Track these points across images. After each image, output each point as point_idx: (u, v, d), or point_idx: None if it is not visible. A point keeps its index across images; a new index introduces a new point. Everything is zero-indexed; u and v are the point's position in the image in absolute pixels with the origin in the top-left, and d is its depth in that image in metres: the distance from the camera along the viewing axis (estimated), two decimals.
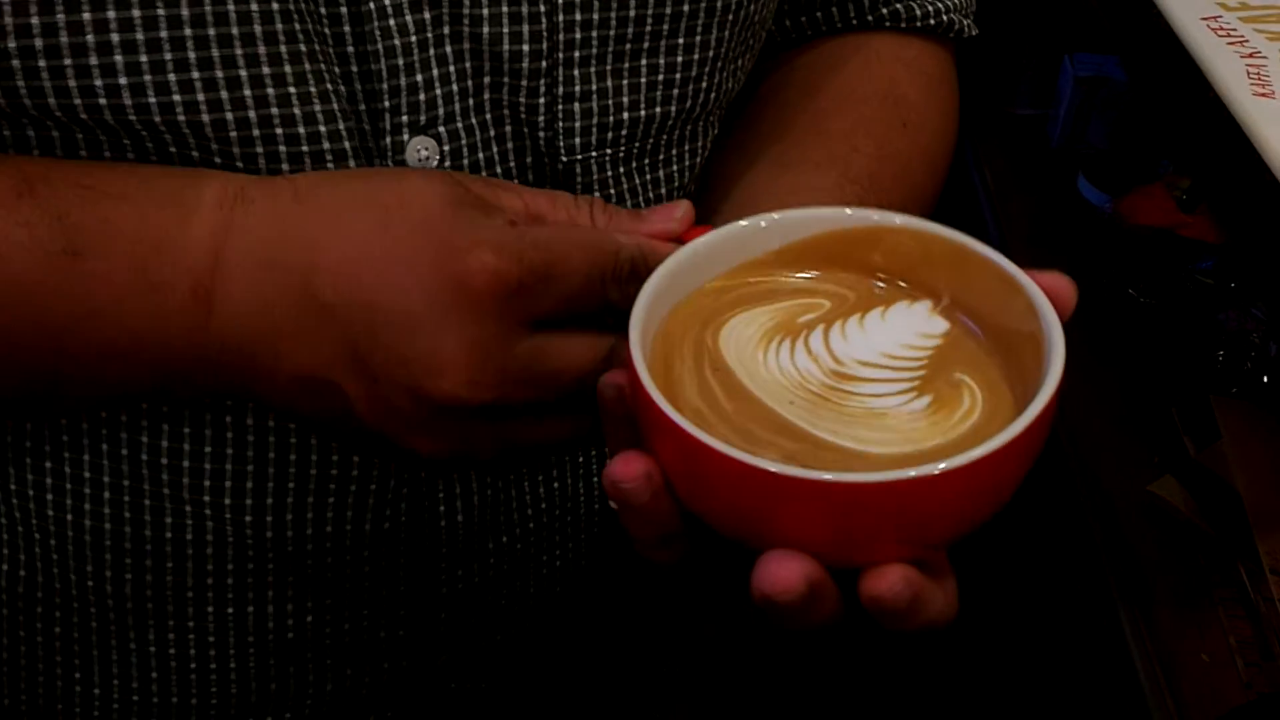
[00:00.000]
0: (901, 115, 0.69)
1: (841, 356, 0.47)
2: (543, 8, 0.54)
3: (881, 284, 0.49)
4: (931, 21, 0.73)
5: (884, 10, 0.72)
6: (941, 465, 0.40)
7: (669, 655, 0.79)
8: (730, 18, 0.60)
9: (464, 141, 0.55)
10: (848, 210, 0.50)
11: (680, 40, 0.58)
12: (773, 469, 0.40)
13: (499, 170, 0.56)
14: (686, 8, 0.58)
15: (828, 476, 0.40)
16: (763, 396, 0.45)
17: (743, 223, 0.49)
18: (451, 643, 0.65)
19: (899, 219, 0.49)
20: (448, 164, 0.54)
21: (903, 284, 0.49)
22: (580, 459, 0.66)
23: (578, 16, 0.55)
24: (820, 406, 0.44)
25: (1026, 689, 1.19)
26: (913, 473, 0.39)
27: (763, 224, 0.49)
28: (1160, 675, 0.94)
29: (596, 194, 0.59)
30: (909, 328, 0.47)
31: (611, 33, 0.56)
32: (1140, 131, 1.33)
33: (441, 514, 0.62)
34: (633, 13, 0.56)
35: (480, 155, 0.55)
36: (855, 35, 0.72)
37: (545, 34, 0.54)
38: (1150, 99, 1.03)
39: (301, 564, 0.60)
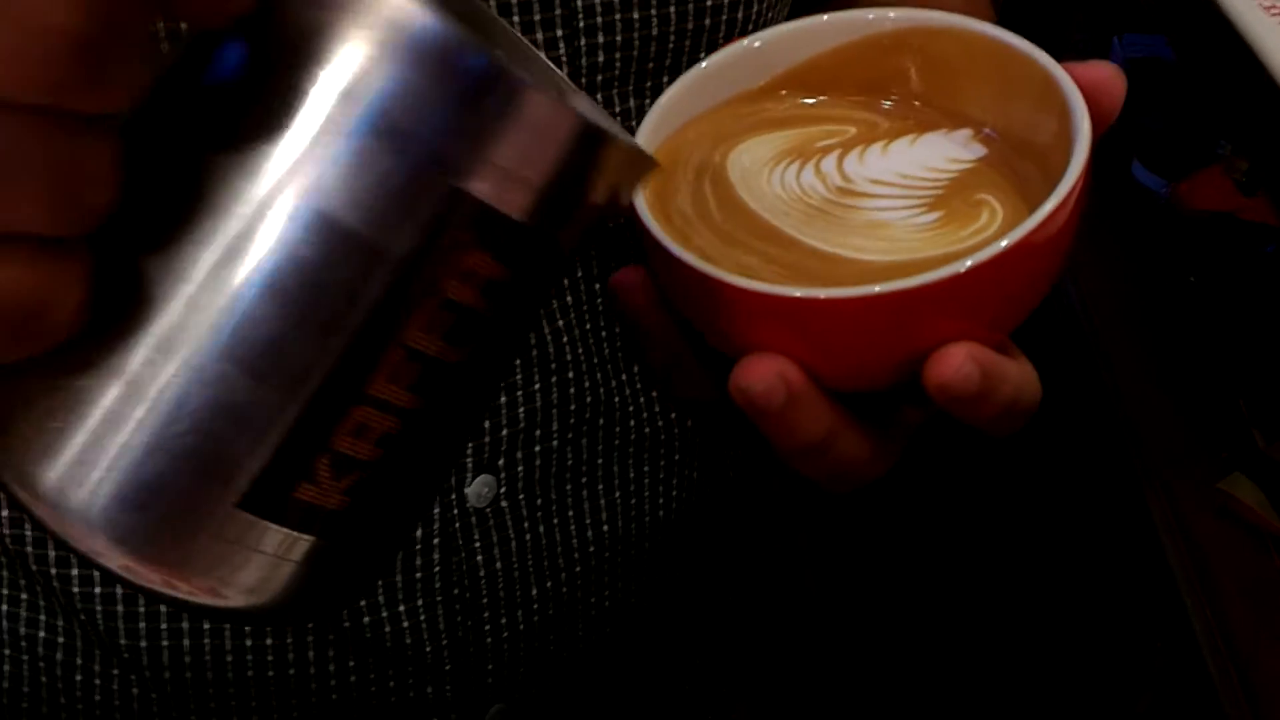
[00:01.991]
0: None
1: (852, 175, 0.43)
2: (560, 31, 0.52)
3: (917, 106, 0.45)
4: None
5: None
6: (911, 281, 0.35)
7: (722, 693, 0.77)
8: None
9: None
10: (869, 14, 0.44)
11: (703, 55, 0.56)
12: (721, 277, 0.36)
13: None
14: (708, 21, 0.56)
15: (779, 290, 0.36)
16: (756, 207, 0.41)
17: (757, 40, 0.45)
18: (501, 693, 0.64)
19: (935, 17, 0.43)
20: None
21: (939, 109, 0.44)
22: (633, 500, 0.64)
23: (600, 39, 0.53)
24: (817, 218, 0.41)
25: (1098, 691, 1.16)
26: (877, 289, 0.35)
27: (777, 36, 0.45)
28: (1234, 674, 0.92)
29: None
30: (939, 153, 0.43)
31: (635, 53, 0.54)
32: (1195, 113, 1.29)
33: (480, 563, 0.60)
34: (655, 31, 0.54)
35: None
36: None
37: (565, 60, 0.53)
38: (1203, 80, 1.00)
39: (337, 623, 0.58)
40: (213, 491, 0.29)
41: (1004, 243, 0.36)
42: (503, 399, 0.56)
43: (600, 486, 0.62)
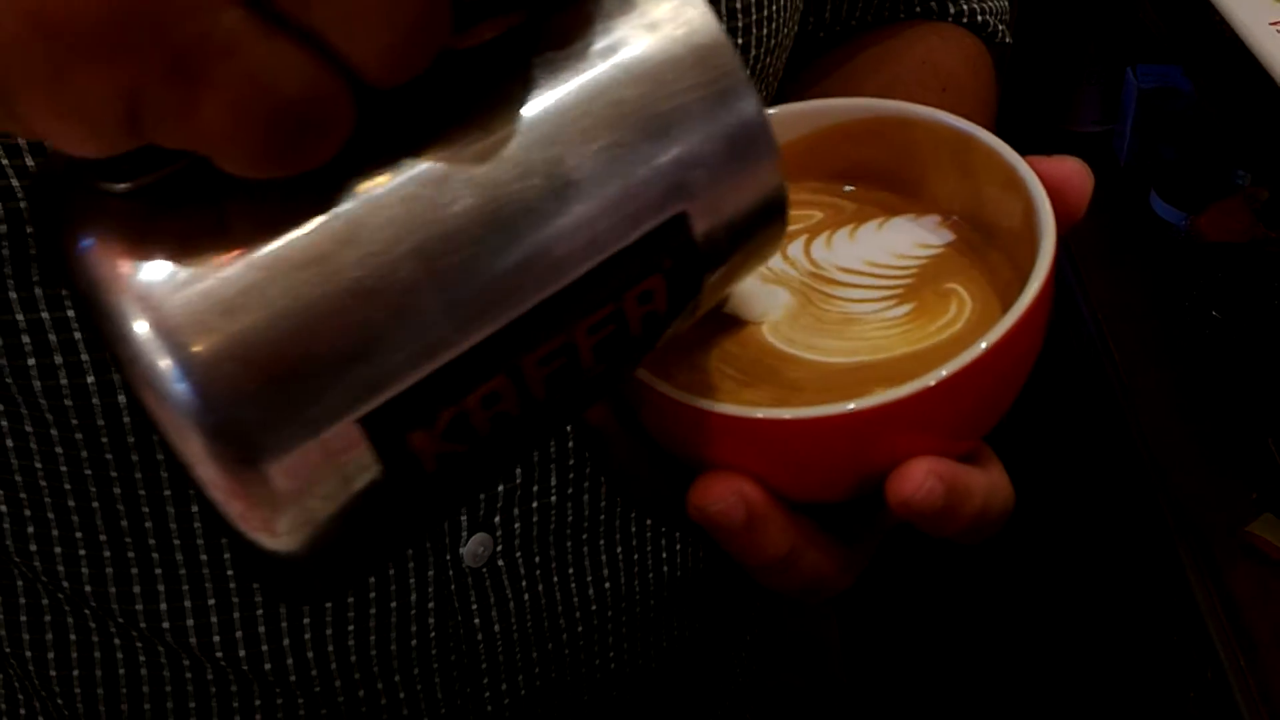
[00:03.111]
0: (940, 80, 0.66)
1: (821, 261, 0.42)
2: None
3: (883, 193, 0.44)
4: (965, 21, 0.71)
5: (918, 8, 0.70)
6: (850, 405, 0.34)
7: None
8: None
9: None
10: (840, 103, 0.45)
11: None
12: (678, 398, 0.36)
13: None
14: None
15: (739, 411, 0.35)
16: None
17: None
18: None
19: (904, 108, 0.43)
20: None
21: (906, 195, 0.44)
22: (635, 556, 0.61)
23: None
24: (784, 308, 0.40)
25: None
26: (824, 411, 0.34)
27: None
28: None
29: None
30: (907, 238, 0.42)
31: None
32: (1212, 143, 1.27)
33: (477, 626, 0.57)
34: None
35: None
36: (893, 25, 0.70)
37: None
38: (1219, 109, 0.97)
39: (331, 699, 0.56)
40: (350, 394, 0.27)
41: (963, 360, 0.35)
42: None
43: (601, 543, 0.60)
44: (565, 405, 0.32)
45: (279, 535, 0.27)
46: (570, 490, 0.57)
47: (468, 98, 0.29)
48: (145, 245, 0.26)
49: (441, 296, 0.28)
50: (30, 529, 0.53)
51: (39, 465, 0.51)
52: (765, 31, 0.57)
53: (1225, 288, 1.17)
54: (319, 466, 0.27)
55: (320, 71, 0.25)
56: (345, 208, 0.27)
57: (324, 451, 0.27)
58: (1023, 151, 0.73)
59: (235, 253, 0.26)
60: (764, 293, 0.40)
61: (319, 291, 0.27)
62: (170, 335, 0.26)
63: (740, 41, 0.56)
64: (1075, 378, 1.30)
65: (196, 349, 0.26)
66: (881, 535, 0.41)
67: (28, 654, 0.55)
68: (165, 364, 0.26)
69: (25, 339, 0.47)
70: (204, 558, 0.52)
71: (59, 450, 0.50)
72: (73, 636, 0.54)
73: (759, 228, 0.33)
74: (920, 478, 0.35)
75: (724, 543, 0.37)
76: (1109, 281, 1.28)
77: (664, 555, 0.62)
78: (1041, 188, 0.39)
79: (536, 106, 0.29)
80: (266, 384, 0.26)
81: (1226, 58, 0.86)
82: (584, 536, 0.59)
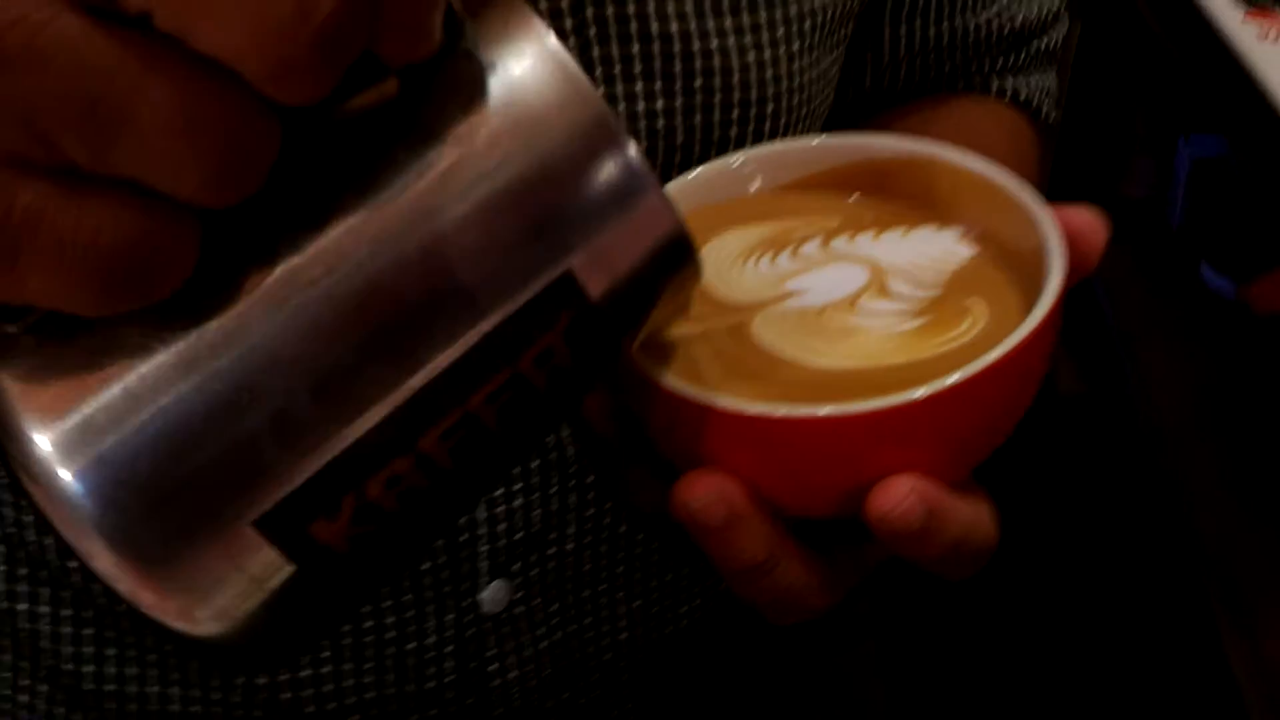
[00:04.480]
0: (975, 148, 0.66)
1: (841, 251, 0.42)
2: None
3: (901, 208, 0.44)
4: (1008, 97, 0.71)
5: (961, 85, 0.70)
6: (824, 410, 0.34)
7: None
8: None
9: None
10: (861, 139, 0.45)
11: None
12: (661, 382, 0.36)
13: None
14: (736, 114, 0.56)
15: (717, 402, 0.35)
16: (725, 293, 0.40)
17: (740, 157, 0.45)
18: None
19: (927, 149, 0.44)
20: None
21: (925, 210, 0.44)
22: (654, 609, 0.62)
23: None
24: (782, 304, 0.40)
25: None
26: (782, 411, 0.34)
27: (741, 160, 0.45)
28: None
29: None
30: (934, 247, 0.42)
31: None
32: (1263, 214, 1.26)
33: (494, 672, 0.58)
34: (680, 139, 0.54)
35: None
36: (935, 96, 0.70)
37: None
38: (1265, 178, 0.97)
39: None
40: (237, 501, 0.28)
41: (955, 377, 0.35)
42: (519, 501, 0.55)
43: (620, 594, 0.60)
44: (480, 468, 0.32)
45: (200, 624, 0.29)
46: (589, 540, 0.58)
47: (338, 176, 0.29)
48: (36, 379, 0.28)
49: (319, 399, 0.28)
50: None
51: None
52: (796, 100, 0.58)
53: (1273, 358, 1.16)
54: (224, 568, 0.28)
55: (140, 215, 0.25)
56: (212, 319, 0.28)
57: (226, 554, 0.28)
58: None
59: (114, 377, 0.28)
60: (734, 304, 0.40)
61: (193, 405, 0.27)
62: (61, 462, 0.27)
63: (771, 109, 0.57)
64: (1122, 444, 1.29)
65: (86, 473, 0.27)
66: (869, 568, 0.41)
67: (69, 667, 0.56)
68: (60, 488, 0.27)
69: None
70: None
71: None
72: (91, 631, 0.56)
73: (663, 269, 0.32)
74: (902, 494, 0.35)
75: (703, 542, 0.37)
76: (1157, 348, 1.28)
77: (683, 610, 0.63)
78: (1057, 227, 0.39)
79: (403, 185, 0.29)
80: (155, 499, 0.28)
81: (1266, 128, 0.86)
82: (602, 587, 0.60)
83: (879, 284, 0.41)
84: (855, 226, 0.43)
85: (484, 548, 0.55)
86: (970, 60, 0.69)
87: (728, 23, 0.54)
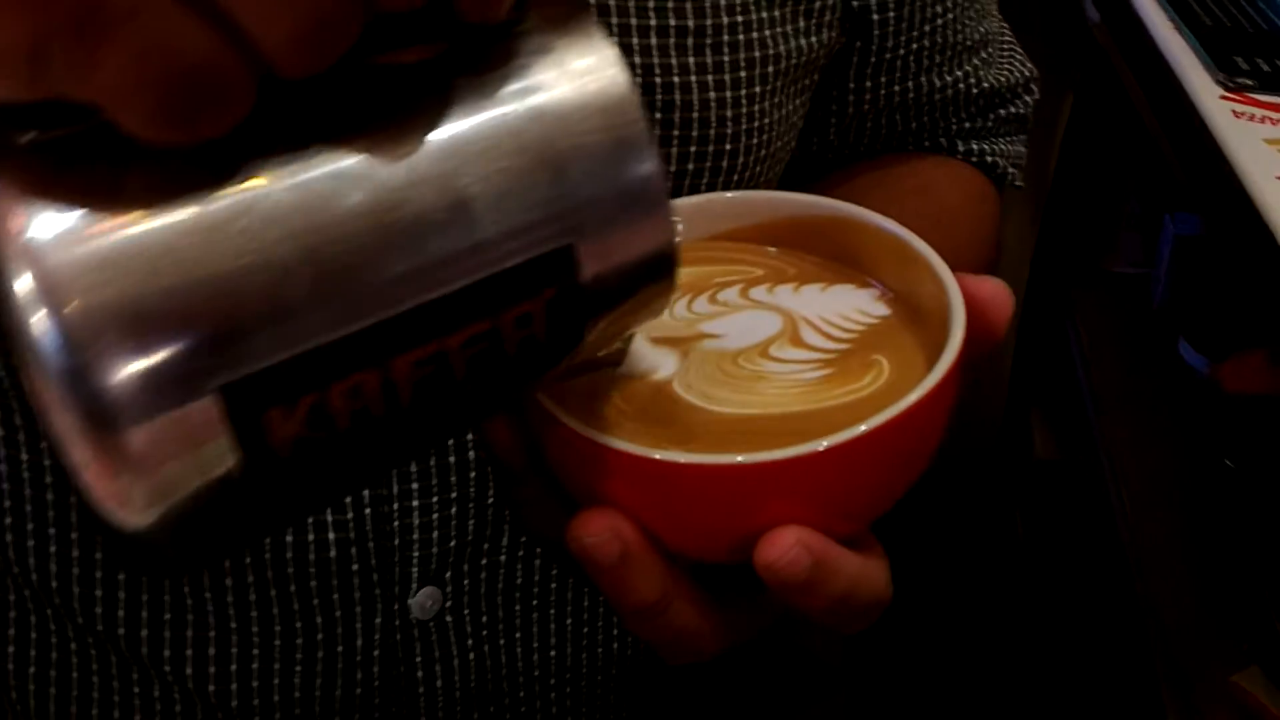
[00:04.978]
0: (934, 209, 0.67)
1: (760, 300, 0.43)
2: None
3: (825, 263, 0.45)
4: (974, 160, 0.72)
5: (927, 143, 0.71)
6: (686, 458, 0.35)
7: None
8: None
9: None
10: (789, 196, 0.46)
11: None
12: (559, 417, 0.37)
13: None
14: (690, 166, 0.57)
15: (607, 441, 0.36)
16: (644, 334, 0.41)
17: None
18: None
19: (838, 206, 0.45)
20: None
21: (846, 267, 0.45)
22: (585, 630, 0.63)
23: None
24: (694, 351, 0.41)
25: None
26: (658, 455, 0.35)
27: (693, 205, 0.46)
28: None
29: None
30: (849, 304, 0.43)
31: None
32: (1239, 294, 1.27)
33: (420, 679, 0.59)
34: None
35: None
36: (900, 154, 0.71)
37: None
38: (1239, 259, 0.98)
39: None
40: (209, 360, 0.28)
41: (832, 439, 0.35)
42: (454, 510, 0.56)
43: (552, 611, 0.61)
44: (431, 416, 0.32)
45: (132, 507, 0.28)
46: (522, 553, 0.59)
47: (377, 109, 0.30)
48: (36, 198, 0.27)
49: (316, 285, 0.29)
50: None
51: (26, 474, 0.54)
52: (755, 141, 0.59)
53: (1240, 437, 1.17)
54: (175, 434, 0.28)
55: (221, 46, 0.26)
56: (236, 187, 0.28)
57: (182, 419, 0.28)
58: (1055, 287, 0.75)
59: (123, 215, 0.28)
60: (652, 353, 0.41)
61: (196, 261, 0.28)
62: (47, 289, 0.27)
63: (729, 148, 0.58)
64: (1081, 508, 1.30)
65: (70, 304, 0.27)
66: (768, 617, 0.41)
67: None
68: (37, 317, 0.27)
69: None
70: (186, 588, 0.54)
71: (46, 462, 0.53)
72: (33, 635, 0.56)
73: (647, 279, 0.34)
74: (787, 545, 0.35)
75: (597, 579, 0.37)
76: (1127, 418, 1.28)
77: (614, 633, 0.63)
78: (960, 295, 0.40)
79: (440, 124, 0.30)
80: (133, 343, 0.27)
81: (1238, 208, 0.87)
82: (534, 602, 0.60)
83: (791, 333, 0.42)
84: (777, 279, 0.45)
85: (416, 553, 0.56)
86: (936, 121, 0.70)
87: (691, 60, 0.56)
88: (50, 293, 0.27)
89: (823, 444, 0.35)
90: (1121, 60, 1.20)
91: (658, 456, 0.35)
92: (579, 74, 0.32)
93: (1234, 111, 0.90)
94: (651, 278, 0.34)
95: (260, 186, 0.29)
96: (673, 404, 0.39)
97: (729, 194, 0.47)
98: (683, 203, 0.46)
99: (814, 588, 0.36)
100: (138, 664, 0.56)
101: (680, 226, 0.46)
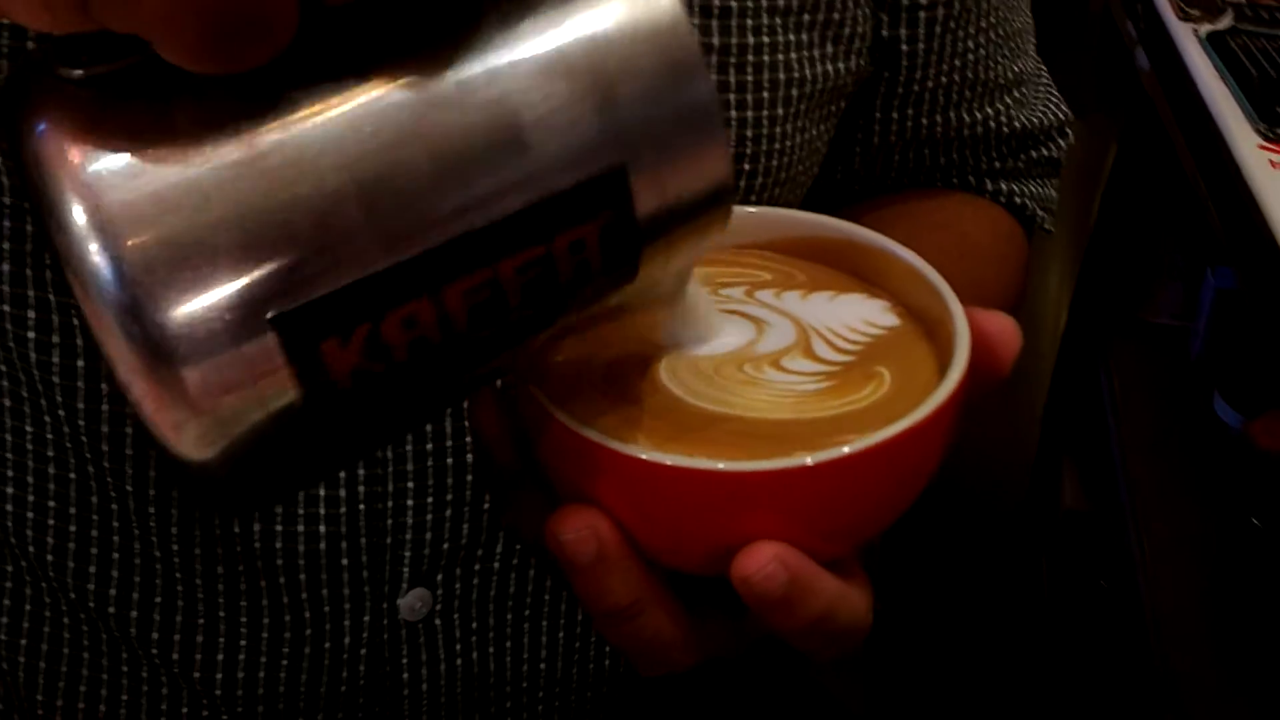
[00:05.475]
0: (959, 246, 0.66)
1: (766, 301, 0.42)
2: None
3: (835, 274, 0.45)
4: (1003, 200, 0.71)
5: (955, 180, 0.70)
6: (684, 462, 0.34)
7: None
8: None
9: None
10: (805, 216, 0.46)
11: None
12: (547, 407, 0.36)
13: None
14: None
15: (592, 435, 0.35)
16: (635, 331, 0.40)
17: None
18: None
19: (853, 230, 0.45)
20: None
21: (857, 279, 0.44)
22: (577, 644, 0.62)
23: None
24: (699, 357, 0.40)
25: None
26: (645, 455, 0.34)
27: None
28: None
29: None
30: (856, 313, 0.42)
31: None
32: (1275, 349, 1.26)
33: (405, 681, 0.59)
34: None
35: None
36: (927, 189, 0.70)
37: None
38: (1274, 314, 0.97)
39: None
40: (264, 290, 0.28)
41: (817, 456, 0.34)
42: (448, 511, 0.56)
43: (544, 623, 0.61)
44: (488, 344, 0.32)
45: (193, 441, 0.28)
46: (516, 561, 0.58)
47: (422, 32, 0.30)
48: (90, 133, 0.27)
49: (367, 212, 0.28)
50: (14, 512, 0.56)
51: (30, 447, 0.54)
52: (775, 163, 0.59)
53: (1269, 497, 1.15)
54: (233, 366, 0.28)
55: None
56: (285, 116, 0.28)
57: (239, 351, 0.28)
58: (1092, 335, 0.74)
59: (175, 150, 0.28)
60: (715, 317, 0.41)
61: (246, 193, 0.28)
62: (106, 224, 0.27)
63: (748, 168, 0.58)
64: (1105, 559, 1.28)
65: (129, 238, 0.27)
66: (744, 640, 0.41)
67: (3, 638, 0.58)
68: (97, 251, 0.27)
69: (30, 313, 0.51)
70: (176, 560, 0.55)
71: (49, 436, 0.54)
72: (27, 607, 0.57)
73: (700, 208, 0.33)
74: (764, 559, 0.35)
75: (572, 579, 0.37)
76: (1156, 471, 1.27)
77: (606, 649, 0.63)
78: (966, 325, 0.39)
79: (485, 45, 0.30)
80: (189, 276, 0.27)
81: (1269, 261, 0.86)
82: (525, 612, 0.60)
83: (802, 341, 0.41)
84: (785, 285, 0.44)
85: (408, 553, 0.56)
86: (965, 158, 0.69)
87: (714, 79, 0.56)
88: (109, 227, 0.27)
89: (808, 459, 0.35)
90: (1167, 108, 1.19)
91: (639, 455, 0.35)
92: (641, 4, 0.31)
93: (1271, 162, 0.89)
94: (707, 205, 0.33)
95: (307, 116, 0.28)
96: (665, 401, 0.38)
97: (746, 208, 0.46)
98: None
99: (790, 606, 0.36)
100: (127, 645, 0.57)
101: None
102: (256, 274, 0.28)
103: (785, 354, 0.40)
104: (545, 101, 0.30)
